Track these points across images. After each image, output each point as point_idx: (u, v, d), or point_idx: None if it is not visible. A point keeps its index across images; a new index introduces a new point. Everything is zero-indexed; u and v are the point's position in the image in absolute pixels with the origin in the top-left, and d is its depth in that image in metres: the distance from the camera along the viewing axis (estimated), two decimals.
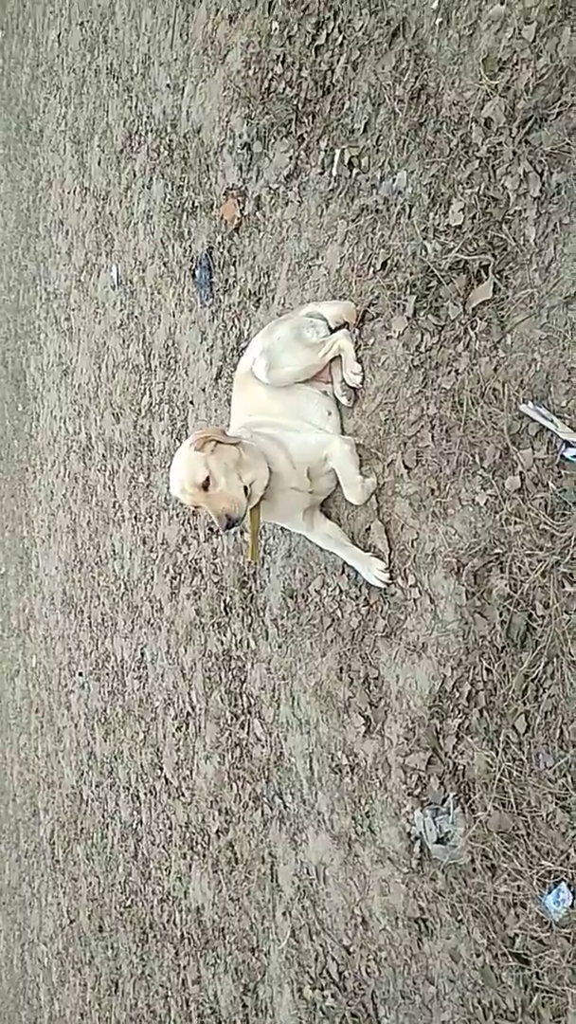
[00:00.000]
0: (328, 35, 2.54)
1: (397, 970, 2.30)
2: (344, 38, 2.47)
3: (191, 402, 3.76)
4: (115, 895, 4.92)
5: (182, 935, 3.88)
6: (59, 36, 6.47)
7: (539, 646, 1.83)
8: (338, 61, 2.49)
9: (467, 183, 1.98)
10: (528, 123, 1.81)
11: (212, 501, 2.26)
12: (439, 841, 2.09)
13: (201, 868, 3.67)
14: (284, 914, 2.90)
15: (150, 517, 4.39)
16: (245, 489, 2.30)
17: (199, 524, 3.73)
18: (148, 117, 4.25)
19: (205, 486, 2.27)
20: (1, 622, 9.29)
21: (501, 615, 1.91)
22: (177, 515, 4.01)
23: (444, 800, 2.10)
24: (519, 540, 1.87)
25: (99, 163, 5.24)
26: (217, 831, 3.49)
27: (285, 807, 2.89)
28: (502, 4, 1.89)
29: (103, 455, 5.24)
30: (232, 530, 2.35)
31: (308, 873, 2.74)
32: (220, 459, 2.28)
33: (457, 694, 2.06)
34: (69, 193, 6.10)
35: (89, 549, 5.60)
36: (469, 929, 2.02)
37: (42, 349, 7.10)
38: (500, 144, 1.89)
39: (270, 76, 2.89)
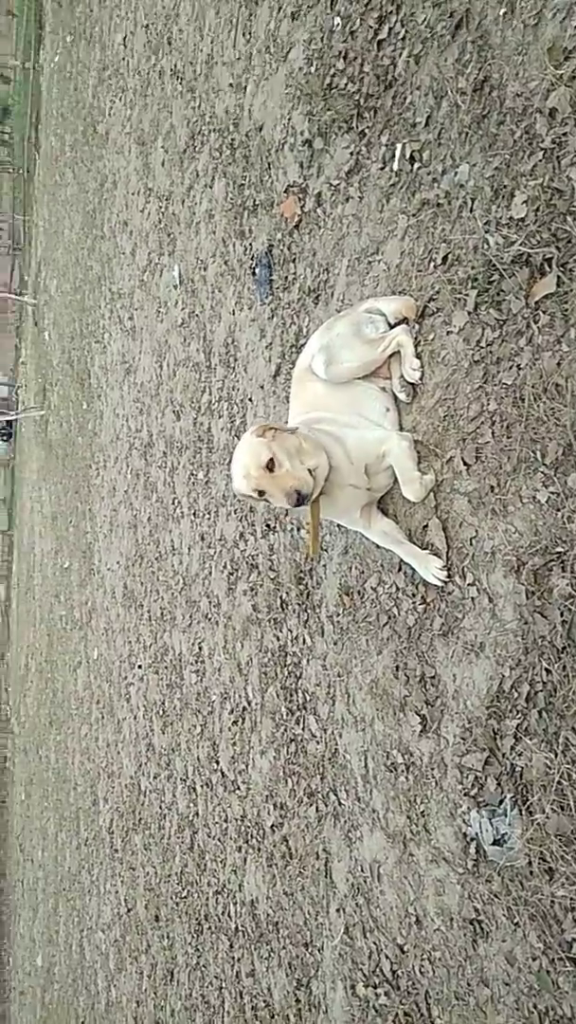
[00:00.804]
0: (390, 29, 2.53)
1: (451, 971, 2.28)
2: (406, 32, 2.45)
3: (250, 399, 3.78)
4: (171, 885, 5.00)
5: (236, 928, 3.91)
6: (125, 39, 6.59)
7: None
8: (400, 55, 2.48)
9: (531, 175, 1.95)
10: None
11: (278, 481, 2.28)
12: (495, 843, 2.06)
13: (256, 862, 3.70)
14: (338, 911, 2.91)
15: (208, 513, 4.43)
16: (310, 471, 2.31)
17: (256, 520, 3.75)
18: (211, 117, 4.29)
19: (270, 467, 2.29)
20: (64, 615, 9.52)
21: (562, 615, 1.87)
22: (235, 511, 4.04)
23: (501, 801, 2.07)
24: None
25: (163, 164, 5.32)
26: (272, 825, 3.51)
27: (340, 804, 2.89)
28: None
29: (164, 452, 5.32)
30: (301, 508, 2.34)
31: (362, 870, 2.73)
32: (282, 445, 2.30)
33: (515, 694, 2.03)
34: (133, 194, 6.20)
35: (149, 544, 5.69)
36: (525, 932, 1.99)
37: (106, 348, 7.24)
38: (565, 135, 1.85)
39: (332, 72, 2.88)
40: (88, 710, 7.87)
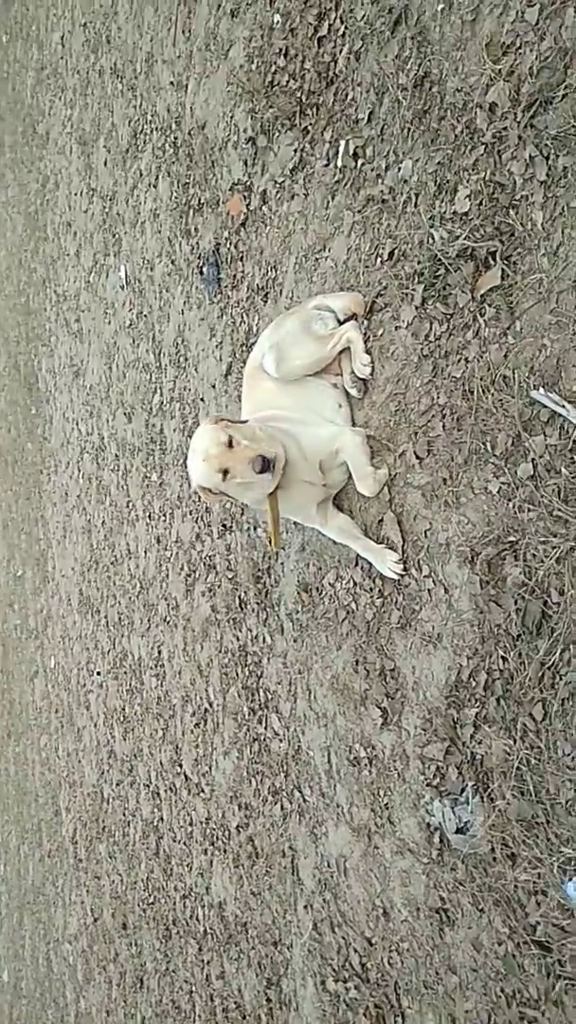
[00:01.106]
0: (330, 26, 2.53)
1: (419, 961, 2.30)
2: (346, 28, 2.46)
3: (202, 399, 3.76)
4: (138, 892, 4.95)
5: (205, 931, 3.89)
6: (62, 38, 6.49)
7: (555, 633, 1.82)
8: (341, 52, 2.49)
9: (473, 169, 1.97)
10: (533, 107, 1.80)
11: (239, 454, 2.26)
12: (458, 831, 2.08)
13: (222, 863, 3.68)
14: (306, 907, 2.91)
15: (164, 515, 4.40)
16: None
17: (212, 521, 3.74)
18: (153, 116, 4.25)
19: (230, 445, 2.27)
20: (19, 624, 9.35)
21: (516, 603, 1.90)
22: (191, 512, 4.02)
23: (463, 790, 2.09)
24: (533, 527, 1.86)
25: (105, 164, 5.25)
26: (237, 826, 3.49)
27: (304, 800, 2.90)
28: None
29: (116, 455, 5.26)
30: (266, 475, 2.29)
31: (329, 866, 2.74)
32: (238, 430, 2.30)
33: (474, 683, 2.05)
34: (76, 195, 6.12)
35: (104, 549, 5.63)
36: (491, 918, 2.02)
37: (53, 351, 7.13)
38: (505, 129, 1.88)
39: (273, 69, 2.88)
40: (47, 720, 7.74)
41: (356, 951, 2.60)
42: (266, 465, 2.26)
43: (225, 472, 2.29)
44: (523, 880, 1.91)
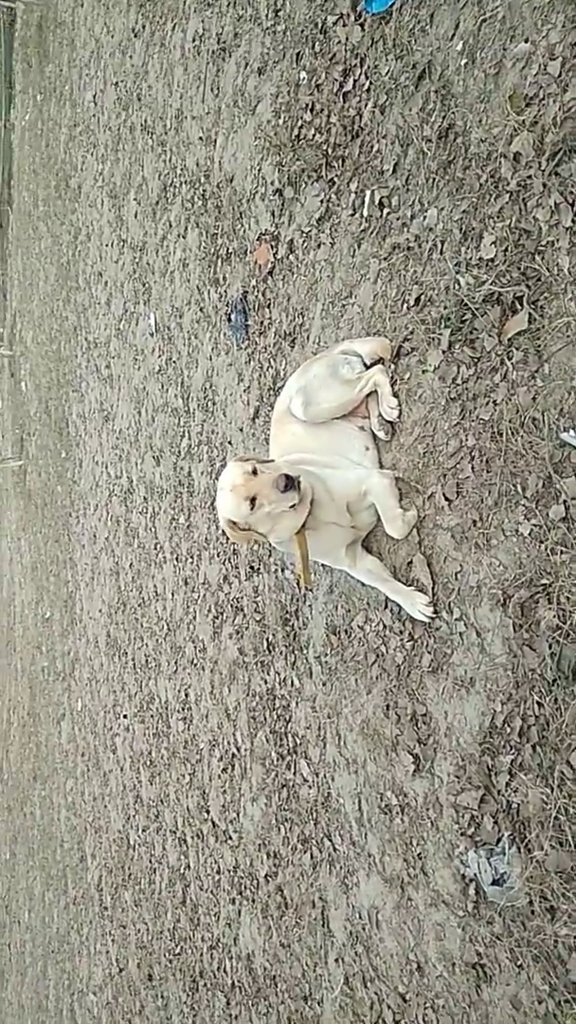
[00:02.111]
0: (355, 81, 2.61)
1: (456, 1018, 2.22)
2: (371, 83, 2.53)
3: (229, 442, 3.80)
4: (164, 942, 4.85)
5: (233, 983, 3.80)
6: (95, 96, 6.74)
7: None
8: (366, 106, 2.55)
9: (498, 217, 2.00)
10: (557, 155, 1.83)
11: (264, 477, 2.29)
12: (495, 883, 2.03)
13: (251, 913, 3.61)
14: (337, 961, 2.83)
15: (191, 557, 4.42)
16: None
17: (240, 563, 3.74)
18: (182, 169, 4.38)
19: (254, 473, 2.30)
20: (47, 666, 9.37)
21: (551, 647, 1.87)
22: (218, 554, 4.03)
23: (499, 840, 2.04)
24: (566, 570, 1.84)
25: (135, 216, 5.40)
26: (266, 875, 3.43)
27: (335, 849, 2.84)
28: (527, 42, 1.92)
29: (144, 498, 5.31)
30: (290, 493, 2.28)
31: (360, 918, 2.67)
32: (263, 464, 2.33)
33: (508, 729, 2.01)
34: (107, 246, 6.29)
35: (132, 591, 5.65)
36: (530, 974, 1.95)
37: (84, 397, 7.27)
38: (530, 177, 1.91)
39: (300, 124, 2.96)
40: (73, 763, 7.71)
41: (389, 1007, 2.52)
42: (290, 483, 2.27)
43: (252, 500, 2.30)
44: (563, 935, 1.85)
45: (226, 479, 2.36)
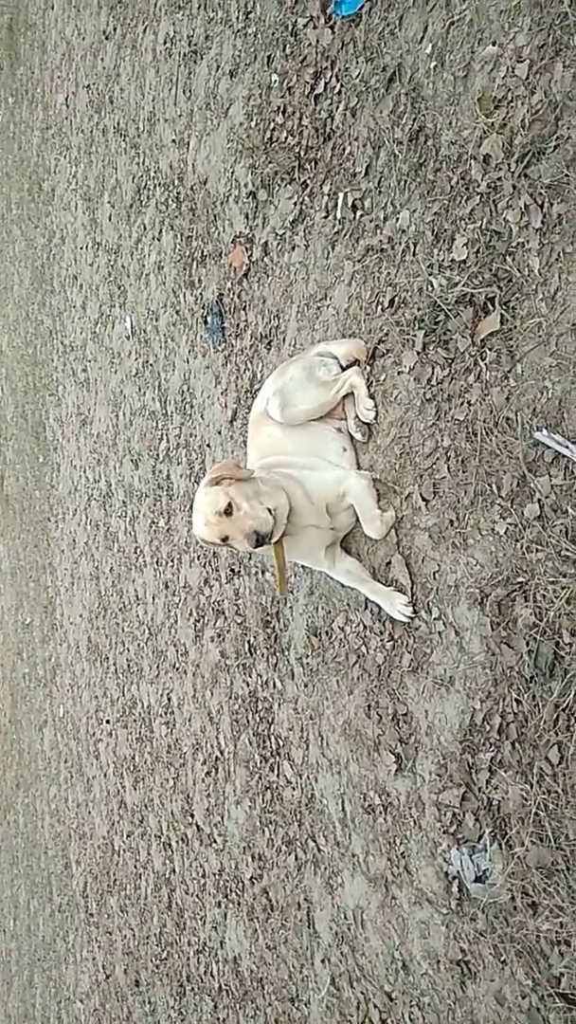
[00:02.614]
0: (326, 84, 2.62)
1: (441, 1016, 2.24)
2: (342, 86, 2.54)
3: (208, 445, 3.79)
4: (150, 948, 4.84)
5: (220, 987, 3.79)
6: (67, 99, 6.70)
7: (568, 674, 1.80)
8: (337, 108, 2.56)
9: (469, 218, 2.02)
10: (526, 157, 1.85)
11: (237, 523, 2.29)
12: (477, 880, 2.04)
13: (236, 916, 3.60)
14: (323, 961, 2.84)
15: (171, 561, 4.40)
16: (269, 511, 2.31)
17: (220, 566, 3.74)
18: (155, 172, 4.37)
19: (228, 512, 2.29)
20: (27, 673, 9.30)
21: (528, 644, 1.89)
22: (198, 557, 4.02)
23: (480, 837, 2.06)
24: (542, 568, 1.85)
25: (110, 218, 5.38)
26: (251, 878, 3.43)
27: (319, 850, 2.85)
28: (494, 44, 1.94)
29: (123, 501, 5.29)
30: (260, 548, 2.34)
31: (345, 918, 2.68)
32: (239, 489, 2.31)
33: (488, 727, 2.03)
34: (82, 249, 6.25)
35: (112, 595, 5.62)
36: (513, 970, 1.97)
37: (61, 401, 7.22)
38: (500, 179, 1.92)
39: (272, 126, 2.97)
40: (56, 770, 7.65)
41: (376, 1006, 2.53)
42: (260, 540, 2.29)
43: (225, 538, 2.34)
44: (545, 930, 1.87)
45: (199, 505, 2.36)
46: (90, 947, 6.35)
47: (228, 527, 2.30)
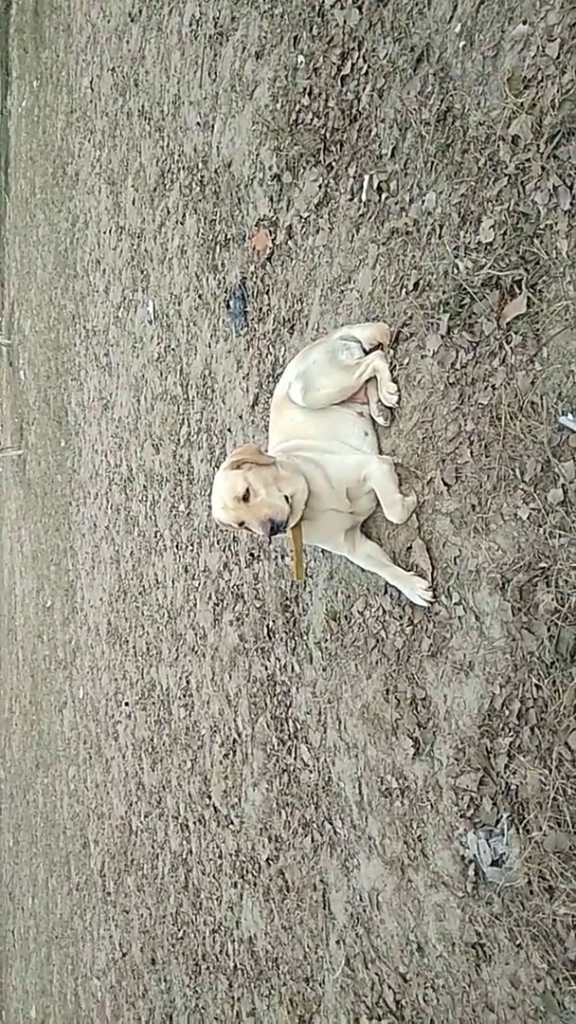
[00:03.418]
0: (353, 65, 2.59)
1: (456, 998, 2.25)
2: (369, 67, 2.52)
3: (229, 430, 3.80)
4: (167, 927, 4.90)
5: (235, 966, 3.84)
6: (91, 82, 6.69)
7: None
8: (364, 89, 2.54)
9: (496, 200, 2.00)
10: (556, 138, 1.82)
11: (254, 510, 2.29)
12: (494, 864, 2.05)
13: (252, 897, 3.64)
14: (338, 942, 2.86)
15: (191, 545, 4.42)
16: (286, 499, 2.32)
17: (240, 550, 3.75)
18: (180, 155, 4.36)
19: (246, 498, 2.30)
20: (48, 655, 9.40)
21: (549, 630, 1.88)
22: (218, 542, 4.04)
23: (498, 821, 2.06)
24: (564, 553, 1.84)
25: (133, 202, 5.38)
26: (267, 859, 3.46)
27: (335, 833, 2.86)
28: (525, 23, 1.91)
29: (144, 486, 5.32)
30: (276, 536, 2.34)
31: (361, 900, 2.70)
32: (258, 475, 2.31)
33: (507, 712, 2.03)
34: (105, 233, 6.26)
35: (132, 579, 5.66)
36: (528, 954, 1.97)
37: (83, 385, 7.26)
38: (528, 160, 1.90)
39: (297, 108, 2.95)
40: (75, 751, 7.75)
41: (390, 987, 2.55)
42: (275, 528, 2.30)
43: (242, 523, 2.34)
44: (562, 914, 1.87)
45: (218, 490, 2.37)
46: (107, 925, 6.44)
47: (244, 513, 2.31)
